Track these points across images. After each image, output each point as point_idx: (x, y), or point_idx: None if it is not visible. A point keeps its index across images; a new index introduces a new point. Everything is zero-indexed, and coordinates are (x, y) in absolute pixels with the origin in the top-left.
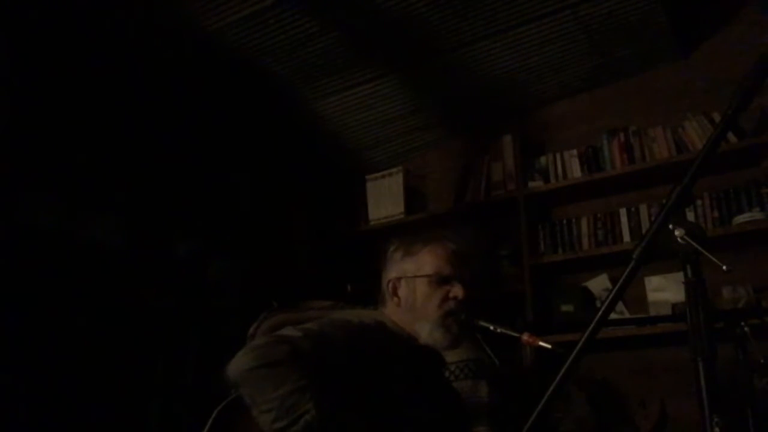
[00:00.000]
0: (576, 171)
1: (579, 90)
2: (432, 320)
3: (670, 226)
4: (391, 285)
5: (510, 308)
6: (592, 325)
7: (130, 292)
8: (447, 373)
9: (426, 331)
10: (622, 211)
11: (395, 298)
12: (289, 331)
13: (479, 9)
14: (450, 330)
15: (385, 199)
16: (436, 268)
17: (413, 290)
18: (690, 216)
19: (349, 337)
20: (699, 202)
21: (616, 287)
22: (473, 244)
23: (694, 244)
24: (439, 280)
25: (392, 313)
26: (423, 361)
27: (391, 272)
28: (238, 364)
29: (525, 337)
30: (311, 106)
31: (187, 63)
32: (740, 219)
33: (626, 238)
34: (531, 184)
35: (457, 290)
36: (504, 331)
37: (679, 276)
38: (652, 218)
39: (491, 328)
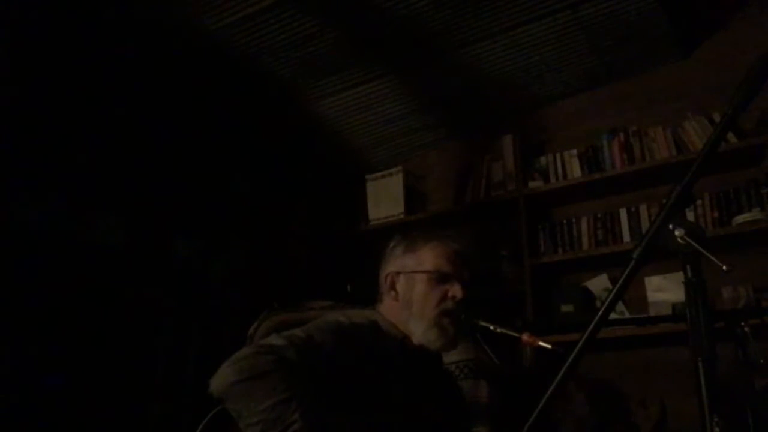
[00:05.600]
0: (576, 171)
1: (579, 90)
2: (428, 319)
3: (670, 226)
4: (389, 279)
5: (510, 308)
6: (592, 325)
7: (130, 292)
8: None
9: (420, 330)
10: (622, 211)
11: (392, 293)
12: (274, 340)
13: (479, 9)
14: (445, 331)
15: (385, 199)
16: (437, 265)
17: (411, 286)
18: (690, 216)
19: (338, 340)
20: (699, 202)
21: (616, 287)
22: (474, 245)
23: (694, 244)
24: (439, 279)
25: (388, 309)
26: (418, 361)
27: (390, 266)
28: (221, 379)
29: (525, 337)
30: (311, 106)
31: (188, 63)
32: (740, 219)
33: (626, 238)
34: (531, 184)
35: (456, 290)
36: (504, 331)
37: (679, 276)
38: (652, 218)
39: (491, 328)
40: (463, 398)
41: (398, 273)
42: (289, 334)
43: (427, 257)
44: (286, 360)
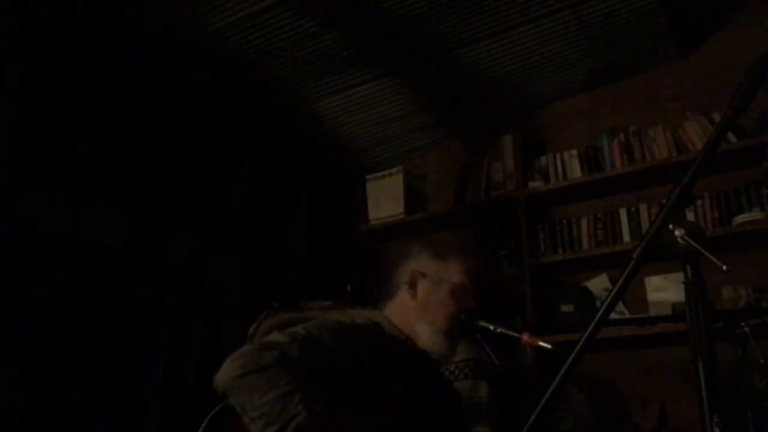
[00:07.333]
0: (576, 171)
1: (579, 90)
2: (438, 326)
3: (670, 226)
4: (411, 276)
5: (510, 308)
6: (592, 325)
7: (130, 292)
8: (447, 373)
9: (427, 333)
10: (622, 211)
11: (411, 291)
12: (275, 337)
13: (479, 9)
14: (453, 340)
15: (385, 199)
16: (462, 280)
17: (432, 291)
18: (690, 216)
19: (339, 339)
20: (699, 202)
21: (616, 287)
22: (474, 245)
23: (694, 244)
24: (459, 293)
25: (399, 306)
26: (419, 363)
27: (415, 265)
28: (224, 374)
29: (525, 337)
30: (311, 106)
31: (187, 63)
32: (740, 219)
33: (626, 238)
34: (531, 184)
35: (470, 305)
36: (504, 331)
37: (679, 276)
38: (652, 218)
39: (491, 328)
40: (460, 403)
41: (423, 274)
42: (291, 331)
43: (455, 269)
44: (287, 356)
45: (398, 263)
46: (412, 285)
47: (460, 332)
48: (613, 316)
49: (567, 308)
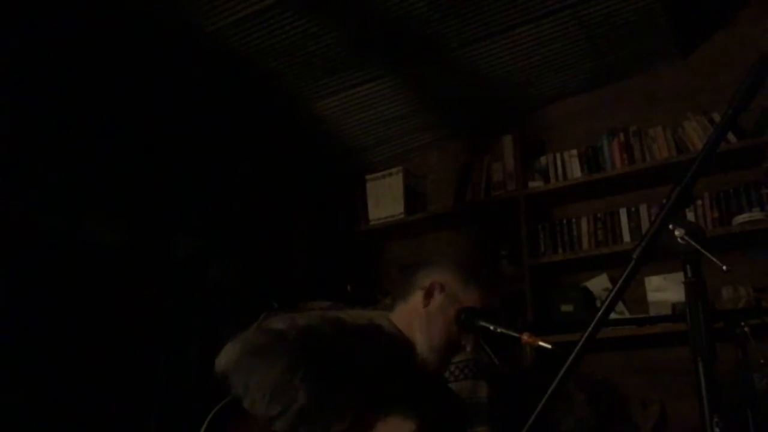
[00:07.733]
0: (576, 171)
1: (579, 90)
2: (434, 345)
3: (670, 226)
4: (430, 285)
5: (510, 308)
6: (592, 325)
7: (130, 292)
8: (447, 374)
9: (423, 347)
10: (622, 211)
11: (425, 300)
12: (276, 324)
13: (479, 9)
14: (446, 360)
15: (385, 199)
16: (475, 307)
17: (444, 307)
18: (690, 216)
19: (337, 334)
20: (699, 202)
21: (616, 287)
22: (474, 245)
23: (694, 244)
24: None
25: (408, 311)
26: (417, 365)
27: (439, 276)
28: (226, 354)
29: (525, 337)
30: (311, 106)
31: (187, 63)
32: (740, 219)
33: (626, 238)
34: (531, 184)
35: (468, 339)
36: (504, 331)
37: (679, 276)
38: (652, 218)
39: (491, 328)
40: (459, 404)
41: (442, 287)
42: (291, 320)
43: (472, 294)
44: (286, 339)
45: (421, 267)
46: (429, 294)
47: (455, 353)
48: (613, 316)
49: (567, 308)
